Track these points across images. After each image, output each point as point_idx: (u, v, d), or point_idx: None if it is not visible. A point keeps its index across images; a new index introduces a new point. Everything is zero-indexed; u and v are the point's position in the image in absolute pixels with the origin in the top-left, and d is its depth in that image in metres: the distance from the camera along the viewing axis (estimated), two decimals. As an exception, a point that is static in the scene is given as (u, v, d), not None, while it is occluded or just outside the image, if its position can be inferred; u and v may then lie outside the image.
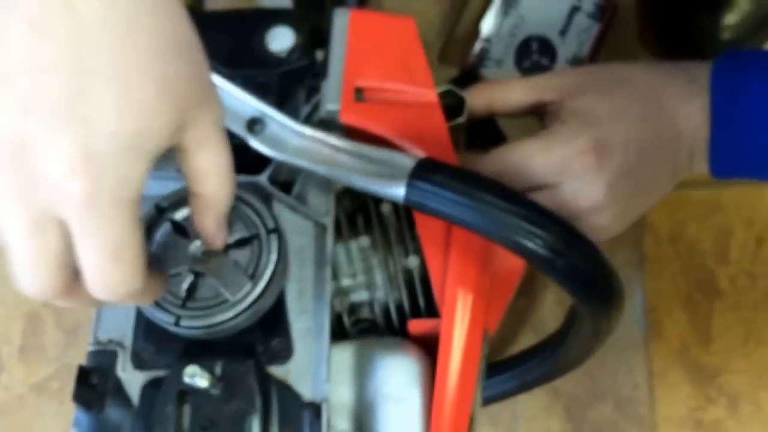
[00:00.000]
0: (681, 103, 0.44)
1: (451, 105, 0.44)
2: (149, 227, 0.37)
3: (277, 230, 0.38)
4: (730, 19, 0.62)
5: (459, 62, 0.59)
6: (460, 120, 0.44)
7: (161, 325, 0.37)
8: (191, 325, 0.36)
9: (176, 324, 0.36)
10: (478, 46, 0.57)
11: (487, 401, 0.52)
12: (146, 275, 0.31)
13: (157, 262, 0.37)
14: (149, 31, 0.28)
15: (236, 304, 0.36)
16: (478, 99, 0.46)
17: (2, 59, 0.27)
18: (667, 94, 0.44)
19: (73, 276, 0.30)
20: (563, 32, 0.58)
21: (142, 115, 0.28)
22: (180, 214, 0.38)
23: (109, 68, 0.27)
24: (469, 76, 0.58)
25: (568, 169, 0.42)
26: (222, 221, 0.34)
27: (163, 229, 0.38)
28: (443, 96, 0.44)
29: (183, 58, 0.30)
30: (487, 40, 0.57)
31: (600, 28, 0.58)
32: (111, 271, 0.29)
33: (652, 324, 0.62)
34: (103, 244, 0.29)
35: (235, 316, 0.36)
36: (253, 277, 0.37)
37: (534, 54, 0.58)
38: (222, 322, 0.36)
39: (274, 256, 0.37)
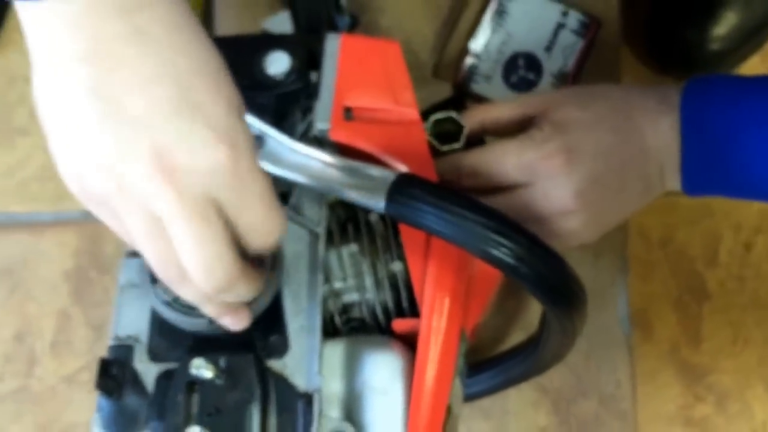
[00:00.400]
0: (650, 120, 0.47)
1: (451, 130, 0.49)
2: None
3: None
4: (718, 30, 0.65)
5: (451, 78, 0.62)
6: (457, 146, 0.48)
7: (173, 324, 0.41)
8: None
9: (211, 323, 0.40)
10: (468, 63, 0.61)
11: (477, 395, 0.55)
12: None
13: None
14: (200, 31, 0.34)
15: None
16: (472, 120, 0.50)
17: (102, 92, 0.31)
18: (638, 111, 0.48)
19: (239, 253, 0.34)
20: (549, 48, 0.61)
21: (232, 89, 0.34)
22: None
23: (193, 65, 0.33)
24: (460, 91, 0.61)
25: (538, 170, 0.45)
26: None
27: None
28: (445, 121, 0.48)
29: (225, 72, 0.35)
30: (477, 56, 0.61)
31: (584, 44, 0.61)
32: (270, 217, 0.34)
33: (642, 326, 0.64)
34: (258, 198, 0.33)
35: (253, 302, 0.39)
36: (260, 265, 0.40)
37: (521, 69, 0.61)
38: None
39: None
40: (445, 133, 0.48)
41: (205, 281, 0.33)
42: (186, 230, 0.32)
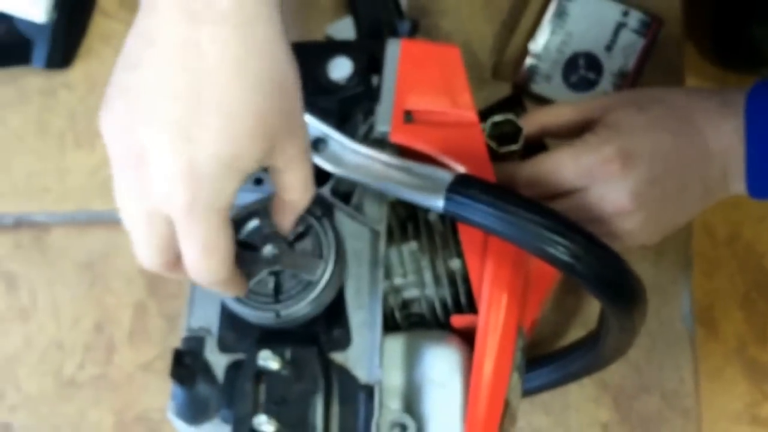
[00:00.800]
0: (712, 122, 0.47)
1: (509, 132, 0.49)
2: None
3: (325, 215, 0.43)
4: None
5: (510, 78, 0.62)
6: (514, 147, 0.49)
7: (242, 317, 0.43)
8: (290, 312, 0.42)
9: (277, 317, 0.42)
10: (527, 63, 0.61)
11: (537, 390, 0.56)
12: (232, 270, 0.37)
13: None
14: (255, 71, 0.34)
15: (318, 281, 0.42)
16: (532, 123, 0.50)
17: (137, 77, 0.34)
18: (700, 114, 0.47)
19: (176, 257, 0.36)
20: (609, 48, 0.61)
21: (239, 143, 0.34)
22: (242, 235, 0.43)
23: (218, 100, 0.34)
24: (520, 91, 0.62)
25: (595, 174, 0.46)
26: (297, 218, 0.41)
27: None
28: (503, 123, 0.49)
29: (280, 95, 0.36)
30: (537, 57, 0.61)
31: (645, 43, 0.61)
32: (203, 262, 0.36)
33: (707, 323, 0.64)
34: (198, 242, 0.35)
35: (318, 295, 0.42)
36: (322, 257, 0.42)
37: (581, 69, 0.61)
38: (310, 302, 0.42)
39: (331, 235, 0.42)
40: (503, 135, 0.49)
41: (141, 262, 0.37)
42: (133, 216, 0.36)
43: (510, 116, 0.49)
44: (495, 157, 0.47)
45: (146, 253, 0.37)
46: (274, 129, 0.35)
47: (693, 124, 0.47)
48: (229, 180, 0.35)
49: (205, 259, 0.36)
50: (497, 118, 0.49)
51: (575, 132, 0.50)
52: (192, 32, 0.33)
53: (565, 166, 0.46)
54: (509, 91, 0.62)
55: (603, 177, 0.45)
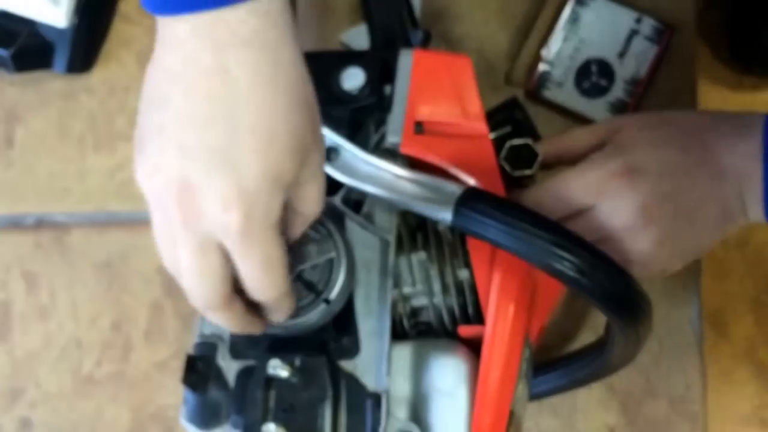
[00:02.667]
0: (726, 144, 0.46)
1: (526, 156, 0.49)
2: None
3: (338, 229, 0.44)
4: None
5: (523, 84, 0.63)
6: (528, 172, 0.48)
7: None
8: (298, 322, 0.42)
9: (286, 326, 0.42)
10: (540, 69, 0.62)
11: (545, 394, 0.57)
12: (290, 281, 0.38)
13: None
14: (285, 90, 0.36)
15: (325, 294, 0.42)
16: (548, 149, 0.49)
17: (168, 113, 0.35)
18: (712, 134, 0.46)
19: (232, 288, 0.37)
20: (622, 54, 0.61)
21: (280, 159, 0.35)
22: None
23: (255, 122, 0.35)
24: (533, 98, 0.62)
25: (601, 189, 0.45)
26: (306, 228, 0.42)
27: None
28: (521, 148, 0.48)
29: (306, 111, 0.37)
30: (549, 63, 0.62)
31: (658, 50, 0.61)
32: (267, 279, 0.37)
33: (717, 326, 0.64)
34: (258, 260, 0.36)
35: (327, 306, 0.42)
36: (332, 270, 0.43)
37: (593, 76, 0.61)
38: (319, 313, 0.42)
39: (342, 247, 0.43)
40: (520, 159, 0.48)
41: (190, 297, 0.38)
42: (183, 254, 0.36)
43: (529, 141, 0.48)
44: (508, 180, 0.47)
45: (206, 289, 0.37)
46: (306, 142, 0.37)
47: (704, 144, 0.46)
48: (276, 195, 0.36)
49: (268, 274, 0.37)
50: (515, 141, 0.48)
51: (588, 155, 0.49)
52: (219, 60, 0.34)
53: (570, 185, 0.46)
54: (523, 98, 0.62)
55: (610, 192, 0.45)
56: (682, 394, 0.62)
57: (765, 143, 0.44)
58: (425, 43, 0.52)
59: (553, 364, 0.55)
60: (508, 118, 0.51)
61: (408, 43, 0.53)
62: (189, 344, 0.45)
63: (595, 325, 0.63)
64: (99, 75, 0.67)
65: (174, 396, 0.63)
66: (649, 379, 0.62)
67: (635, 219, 0.45)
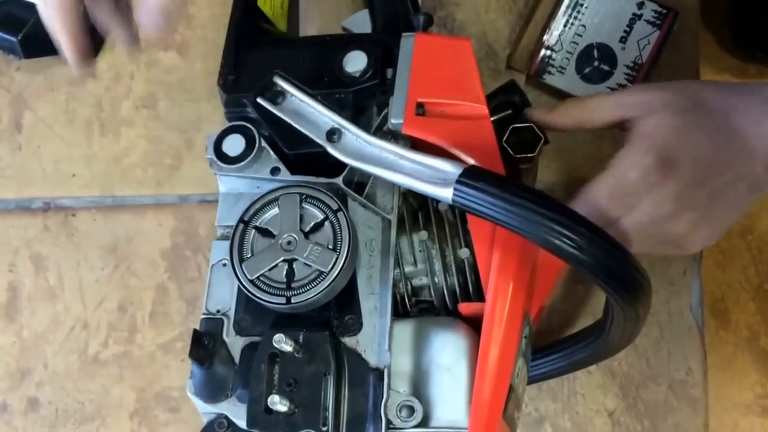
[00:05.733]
0: (752, 121, 0.46)
1: (529, 140, 0.49)
2: (240, 239, 0.45)
3: (341, 209, 0.44)
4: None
5: (524, 69, 0.63)
6: (530, 155, 0.48)
7: (259, 303, 0.44)
8: (301, 299, 0.43)
9: (288, 303, 0.43)
10: (541, 54, 0.62)
11: (544, 377, 0.57)
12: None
13: (254, 266, 0.45)
14: None
15: (330, 272, 0.43)
16: (567, 119, 0.49)
17: None
18: (740, 114, 0.47)
19: None
20: (624, 39, 0.62)
21: None
22: (261, 221, 0.45)
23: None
24: (534, 83, 0.63)
25: (639, 191, 0.45)
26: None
27: (252, 237, 0.45)
28: (524, 131, 0.49)
29: None
30: (551, 48, 0.62)
31: (660, 34, 0.61)
32: None
33: (718, 313, 0.64)
34: None
35: (330, 284, 0.43)
36: (335, 249, 0.44)
37: (595, 61, 0.62)
38: (322, 291, 0.43)
39: (345, 230, 0.44)
40: (522, 142, 0.49)
41: None
42: None
43: (532, 124, 0.49)
44: (509, 162, 0.48)
45: None
46: None
47: (731, 125, 0.47)
48: None
49: None
50: (518, 124, 0.48)
51: (609, 128, 0.49)
52: None
53: (608, 193, 0.46)
54: (524, 82, 0.62)
55: (647, 192, 0.45)
56: (683, 379, 0.62)
57: None
58: (427, 26, 0.53)
59: (553, 347, 0.56)
60: (507, 102, 0.51)
61: (410, 27, 0.54)
62: (192, 327, 0.46)
63: (594, 310, 0.63)
64: (105, 61, 0.68)
65: (178, 377, 0.64)
66: (650, 364, 0.62)
67: (671, 208, 0.46)
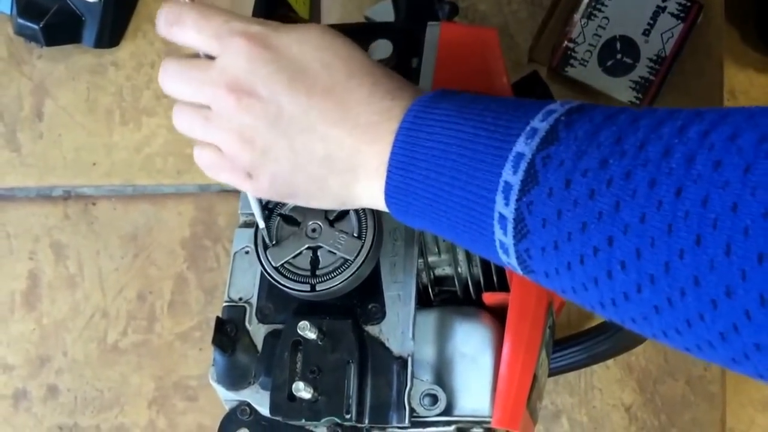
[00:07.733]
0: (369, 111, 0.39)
1: None
2: (265, 226, 0.45)
3: None
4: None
5: (546, 61, 0.63)
6: None
7: (282, 290, 0.45)
8: (325, 286, 0.43)
9: (312, 291, 0.44)
10: (564, 46, 0.62)
11: (562, 370, 0.57)
12: None
13: (279, 253, 0.45)
14: None
15: (354, 260, 0.43)
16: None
17: None
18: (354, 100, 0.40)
19: None
20: (647, 32, 0.61)
21: None
22: (286, 209, 0.45)
23: None
24: (555, 74, 0.63)
25: (224, 39, 0.41)
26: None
27: (276, 224, 0.45)
28: None
29: None
30: (573, 40, 0.62)
31: (684, 27, 0.61)
32: None
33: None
34: None
35: (355, 272, 0.43)
36: (360, 237, 0.44)
37: (618, 53, 0.61)
38: (347, 279, 0.43)
39: (370, 218, 0.44)
40: None
41: None
42: None
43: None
44: None
45: None
46: None
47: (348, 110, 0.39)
48: None
49: None
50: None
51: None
52: None
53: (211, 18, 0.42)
54: (546, 75, 0.62)
55: (230, 47, 0.40)
56: (701, 374, 0.62)
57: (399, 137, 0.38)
58: (451, 15, 0.52)
59: (571, 340, 0.56)
60: (529, 93, 0.51)
61: (434, 17, 0.54)
62: (211, 316, 0.46)
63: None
64: (126, 50, 0.68)
65: (196, 366, 0.64)
66: (667, 359, 0.62)
67: (239, 84, 0.40)
